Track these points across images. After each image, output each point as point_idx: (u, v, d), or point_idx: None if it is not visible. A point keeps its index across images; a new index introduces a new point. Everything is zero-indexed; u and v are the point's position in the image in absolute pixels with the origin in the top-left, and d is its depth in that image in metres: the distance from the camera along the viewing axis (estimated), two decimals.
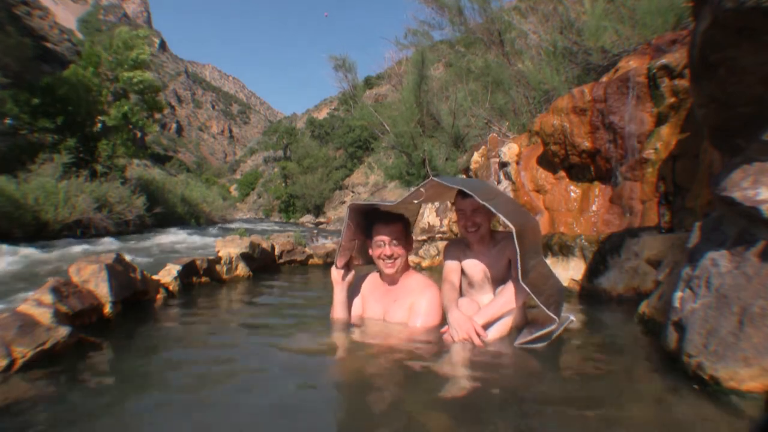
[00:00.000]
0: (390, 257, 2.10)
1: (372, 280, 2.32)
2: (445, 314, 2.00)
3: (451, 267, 2.23)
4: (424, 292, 2.13)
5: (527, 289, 1.72)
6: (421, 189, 2.03)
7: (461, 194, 2.11)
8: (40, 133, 13.16)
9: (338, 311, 2.26)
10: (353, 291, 2.32)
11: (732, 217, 1.53)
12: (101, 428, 1.25)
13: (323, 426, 1.29)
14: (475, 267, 2.17)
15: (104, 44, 15.02)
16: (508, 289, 1.93)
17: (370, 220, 2.21)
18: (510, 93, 7.97)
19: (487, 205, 1.80)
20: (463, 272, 2.24)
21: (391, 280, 2.19)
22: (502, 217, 1.74)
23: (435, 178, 1.97)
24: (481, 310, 1.93)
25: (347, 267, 2.26)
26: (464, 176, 6.60)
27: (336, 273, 2.24)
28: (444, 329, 1.92)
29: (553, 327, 1.79)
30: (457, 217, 2.20)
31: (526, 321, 2.11)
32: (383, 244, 2.10)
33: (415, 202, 2.13)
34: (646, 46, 3.87)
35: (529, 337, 1.82)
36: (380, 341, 1.99)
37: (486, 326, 1.89)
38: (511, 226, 1.72)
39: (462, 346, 1.83)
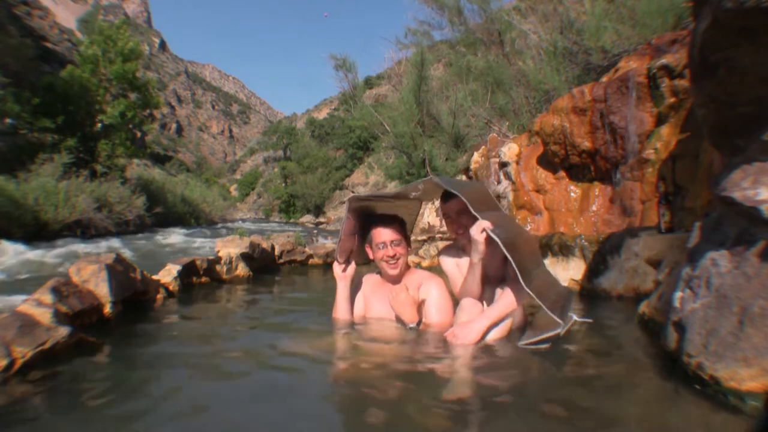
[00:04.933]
0: (393, 257, 2.13)
1: (373, 281, 2.33)
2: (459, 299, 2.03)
3: (455, 274, 2.24)
4: (430, 285, 2.15)
5: (533, 294, 1.72)
6: (419, 185, 2.05)
7: (444, 198, 2.14)
8: (41, 132, 13.13)
9: (341, 308, 2.27)
10: (353, 291, 2.33)
11: (732, 217, 1.53)
12: (101, 428, 1.25)
13: (323, 426, 1.29)
14: None
15: (95, 40, 14.90)
16: (509, 290, 1.93)
17: (366, 222, 2.24)
18: (510, 93, 7.98)
19: (472, 209, 1.82)
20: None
21: (394, 280, 2.21)
22: (492, 236, 1.75)
23: (434, 178, 1.99)
24: (485, 312, 1.93)
25: (348, 262, 2.28)
26: (464, 177, 6.60)
27: (338, 268, 2.27)
28: (448, 333, 1.92)
29: (558, 330, 1.79)
30: (445, 221, 2.22)
31: (526, 321, 2.11)
32: (385, 246, 2.13)
33: (412, 195, 2.15)
34: (646, 46, 3.87)
35: (534, 339, 1.82)
36: (383, 341, 2.00)
37: (489, 328, 1.89)
38: (495, 238, 1.74)
39: (464, 347, 1.83)
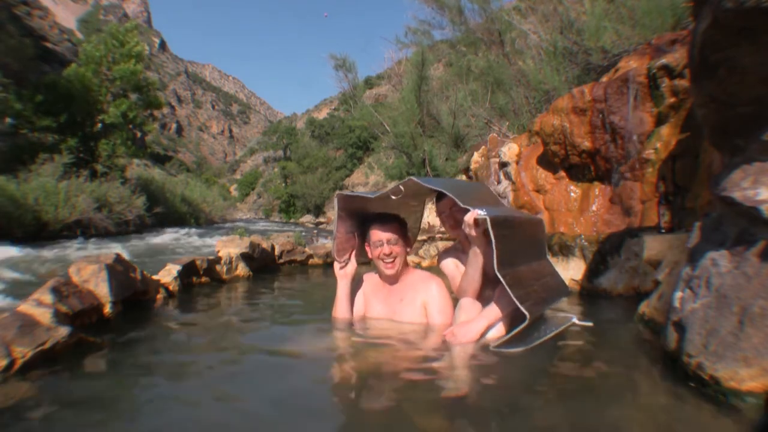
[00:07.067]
0: (389, 256, 2.11)
1: (373, 281, 2.33)
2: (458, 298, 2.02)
3: (454, 274, 2.23)
4: (430, 286, 2.14)
5: (502, 279, 1.66)
6: (400, 186, 2.03)
7: (437, 197, 2.13)
8: (41, 132, 13.15)
9: (340, 307, 2.26)
10: (354, 290, 2.33)
11: (732, 217, 1.53)
12: (101, 428, 1.25)
13: (323, 426, 1.29)
14: None
15: (102, 40, 14.96)
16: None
17: (366, 221, 2.23)
18: (510, 93, 7.98)
19: (459, 201, 1.81)
20: None
21: (393, 280, 2.20)
22: (480, 213, 1.74)
23: (414, 178, 1.98)
24: (483, 312, 1.92)
25: (348, 261, 2.28)
26: (464, 177, 6.59)
27: (337, 266, 2.27)
28: (447, 332, 1.92)
29: (524, 324, 1.73)
30: (442, 221, 2.21)
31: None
32: (381, 244, 2.12)
33: (393, 197, 2.10)
34: (646, 46, 3.86)
35: (502, 340, 1.78)
36: (383, 341, 1.99)
37: (488, 327, 1.89)
38: (482, 214, 1.71)
39: (463, 346, 1.83)
